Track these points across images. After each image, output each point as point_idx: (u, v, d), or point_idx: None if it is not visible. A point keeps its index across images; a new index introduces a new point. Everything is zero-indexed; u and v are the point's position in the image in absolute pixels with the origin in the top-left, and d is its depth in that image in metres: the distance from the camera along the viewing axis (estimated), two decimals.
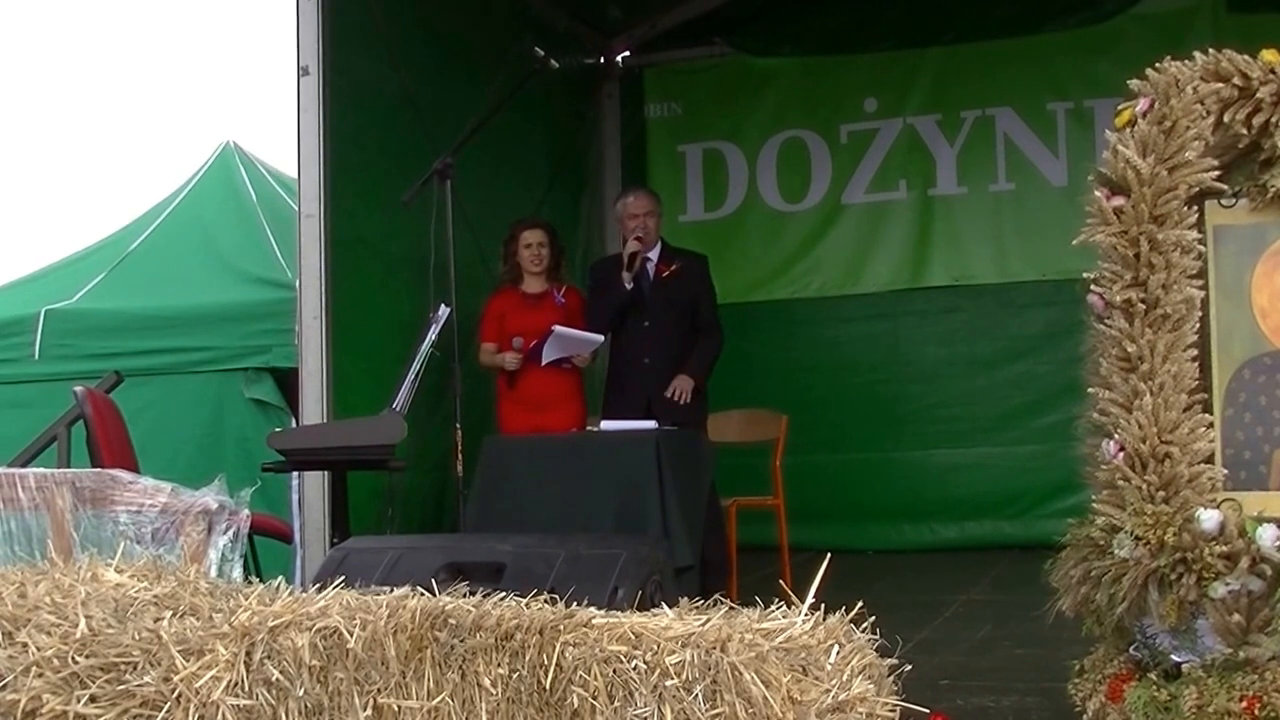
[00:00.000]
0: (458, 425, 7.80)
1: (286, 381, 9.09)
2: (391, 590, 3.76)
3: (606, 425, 8.43)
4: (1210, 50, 4.50)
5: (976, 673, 6.68)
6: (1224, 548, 4.14)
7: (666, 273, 9.27)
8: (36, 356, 9.79)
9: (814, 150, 12.26)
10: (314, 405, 8.32)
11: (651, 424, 8.28)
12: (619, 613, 3.55)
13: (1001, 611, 8.26)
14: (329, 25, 8.48)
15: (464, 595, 3.68)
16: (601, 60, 12.82)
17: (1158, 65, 4.53)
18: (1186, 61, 4.50)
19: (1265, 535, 4.12)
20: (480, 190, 9.61)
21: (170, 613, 3.93)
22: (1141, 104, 4.50)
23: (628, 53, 12.87)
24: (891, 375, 12.04)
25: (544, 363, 8.97)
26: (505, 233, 9.35)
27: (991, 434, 11.70)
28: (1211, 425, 4.39)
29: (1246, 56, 4.46)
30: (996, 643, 7.42)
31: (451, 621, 3.50)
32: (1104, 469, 4.46)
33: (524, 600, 3.63)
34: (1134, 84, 4.57)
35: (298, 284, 8.48)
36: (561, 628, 3.42)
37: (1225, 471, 4.44)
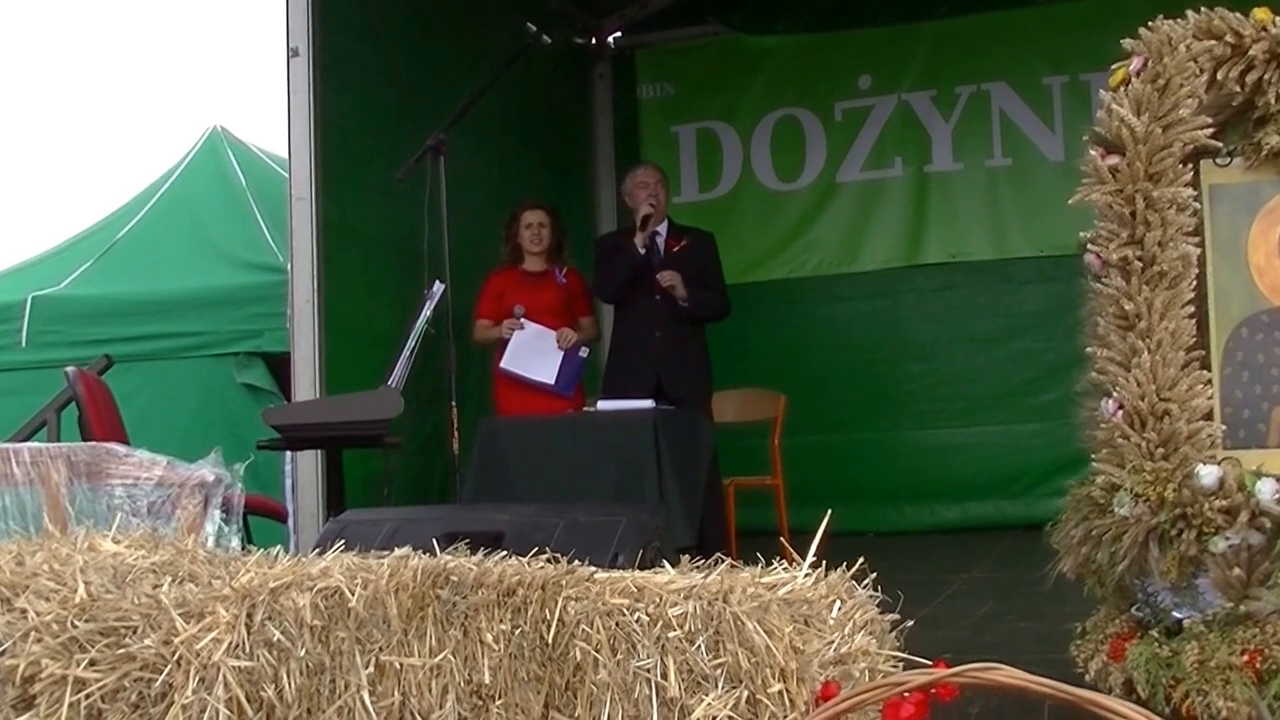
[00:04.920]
0: (453, 403, 7.80)
1: (278, 366, 9.07)
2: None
3: (604, 405, 8.43)
4: (1202, 8, 4.51)
5: (979, 647, 6.68)
6: (1223, 502, 4.13)
7: (677, 247, 9.30)
8: (24, 344, 9.80)
9: (808, 128, 12.26)
10: (306, 390, 8.33)
11: (649, 404, 8.29)
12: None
13: (1004, 588, 8.25)
14: (318, 6, 8.48)
15: (466, 556, 3.69)
16: (593, 41, 12.82)
17: (1150, 24, 4.53)
18: (1179, 20, 4.51)
19: (1265, 489, 4.11)
20: (471, 173, 9.61)
21: (169, 579, 3.93)
22: (1135, 63, 4.50)
23: (619, 33, 12.87)
24: (889, 354, 12.05)
25: (561, 384, 9.04)
26: (496, 215, 9.39)
27: (991, 412, 11.68)
28: (1210, 383, 4.39)
29: (1238, 14, 4.47)
30: (999, 618, 7.42)
31: (453, 579, 3.51)
32: (1103, 428, 4.45)
33: (525, 560, 3.63)
34: (1127, 43, 4.57)
35: (289, 267, 8.48)
36: (564, 583, 3.44)
37: (1224, 429, 4.43)
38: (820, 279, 12.20)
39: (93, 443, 6.16)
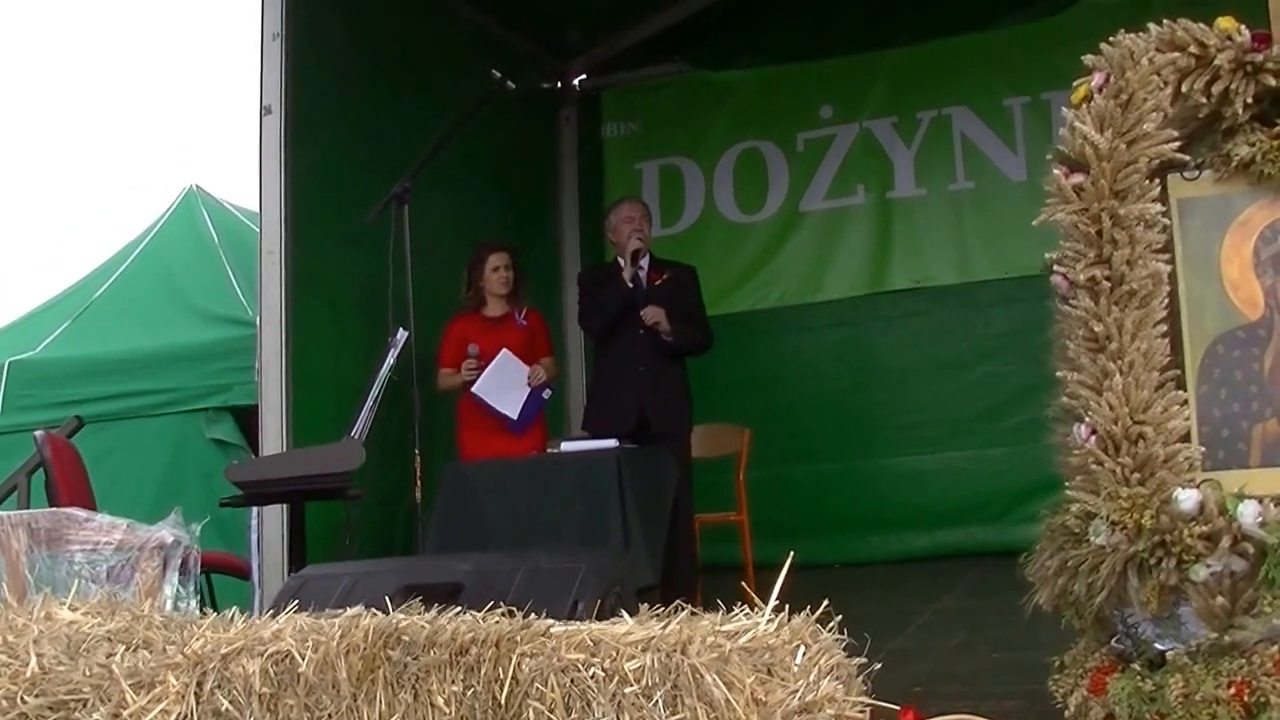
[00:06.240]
0: (416, 451, 7.69)
1: (247, 420, 8.98)
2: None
3: (567, 446, 8.37)
4: (1165, 20, 4.42)
5: (952, 678, 6.52)
6: (1204, 528, 4.03)
7: (659, 281, 9.21)
8: (1, 409, 9.71)
9: (771, 160, 12.11)
10: (274, 442, 8.24)
11: (612, 443, 8.23)
12: (579, 622, 3.48)
13: (976, 618, 8.10)
14: (291, 64, 8.47)
15: (420, 612, 3.59)
16: (559, 84, 12.71)
17: (1112, 39, 4.45)
18: (1141, 33, 4.41)
19: (1246, 512, 4.00)
20: (439, 219, 9.55)
21: (124, 647, 3.89)
22: (1097, 79, 4.42)
23: (584, 75, 12.76)
24: (857, 382, 11.83)
25: (516, 417, 8.93)
26: (465, 260, 9.25)
27: (960, 438, 11.51)
28: (1186, 403, 4.28)
29: (1202, 25, 4.37)
30: (972, 648, 7.28)
31: (405, 639, 3.45)
32: (1076, 454, 4.35)
33: (481, 614, 3.55)
34: (1088, 59, 4.49)
35: (258, 320, 8.42)
36: (518, 638, 3.36)
37: (1203, 450, 4.33)
38: (785, 309, 12.01)
39: (53, 509, 6.06)
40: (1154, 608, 4.13)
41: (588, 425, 9.26)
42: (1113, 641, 4.43)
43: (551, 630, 3.36)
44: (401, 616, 3.55)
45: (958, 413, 11.54)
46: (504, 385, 8.97)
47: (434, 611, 3.61)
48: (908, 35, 11.64)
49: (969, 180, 11.58)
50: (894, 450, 11.68)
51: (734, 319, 11.66)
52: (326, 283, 8.84)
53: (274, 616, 3.81)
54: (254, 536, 8.31)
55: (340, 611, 3.72)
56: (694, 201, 12.32)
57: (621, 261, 9.18)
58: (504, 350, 9.03)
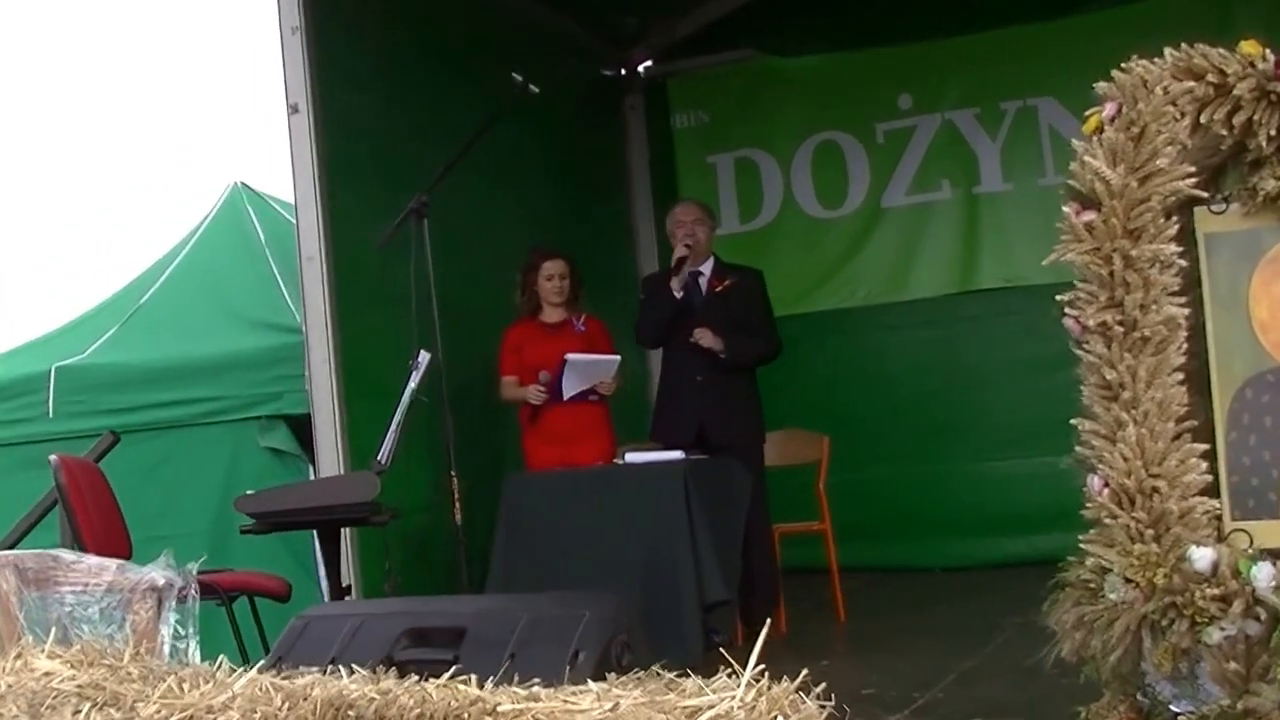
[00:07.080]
0: (453, 472, 7.58)
1: (301, 428, 8.89)
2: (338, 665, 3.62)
3: (631, 457, 8.22)
4: (1182, 45, 4.18)
5: (1012, 708, 6.44)
6: (1217, 590, 3.82)
7: (720, 287, 8.98)
8: (50, 414, 9.66)
9: (849, 152, 11.80)
10: (329, 452, 8.08)
11: (678, 454, 8.08)
12: (545, 690, 3.37)
13: (1055, 635, 7.95)
14: (317, 60, 8.23)
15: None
16: (622, 72, 12.48)
17: (1124, 65, 4.22)
18: (1156, 60, 4.17)
19: (1260, 575, 3.80)
20: (500, 218, 9.45)
21: (89, 704, 3.83)
22: (1108, 109, 4.19)
23: (649, 62, 12.53)
24: (947, 384, 11.54)
25: (565, 397, 8.73)
26: (525, 260, 9.09)
27: (1055, 440, 11.14)
28: (1203, 455, 4.05)
29: (1222, 50, 4.12)
30: (1041, 670, 7.09)
31: (352, 713, 3.32)
32: (1089, 506, 4.16)
33: (439, 681, 3.45)
34: (1100, 87, 4.26)
35: (304, 328, 8.30)
36: (465, 716, 3.25)
37: (1225, 502, 4.14)
38: (870, 309, 11.72)
39: (40, 550, 5.98)
40: (1167, 670, 3.95)
41: (655, 434, 9.10)
42: (1137, 695, 4.25)
43: (499, 709, 3.24)
44: (353, 686, 3.46)
45: (1053, 414, 11.03)
46: (585, 373, 8.83)
47: (392, 680, 3.51)
48: (985, 21, 11.22)
49: (1059, 175, 11.20)
50: (988, 454, 11.37)
51: (817, 319, 11.50)
52: (373, 286, 8.60)
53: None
54: (319, 547, 8.25)
55: (307, 671, 3.67)
56: (772, 196, 12.03)
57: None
58: (619, 357, 8.92)
